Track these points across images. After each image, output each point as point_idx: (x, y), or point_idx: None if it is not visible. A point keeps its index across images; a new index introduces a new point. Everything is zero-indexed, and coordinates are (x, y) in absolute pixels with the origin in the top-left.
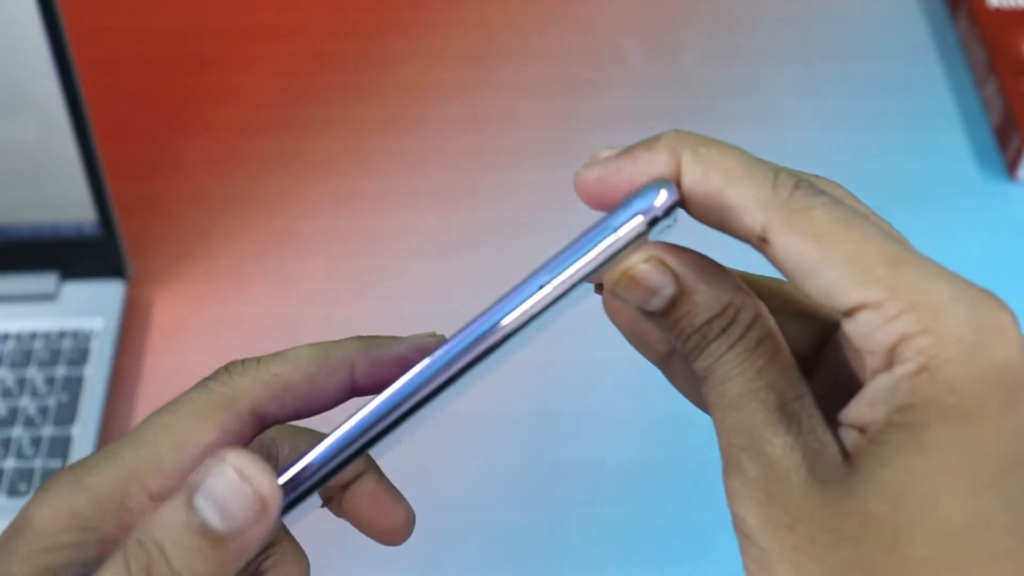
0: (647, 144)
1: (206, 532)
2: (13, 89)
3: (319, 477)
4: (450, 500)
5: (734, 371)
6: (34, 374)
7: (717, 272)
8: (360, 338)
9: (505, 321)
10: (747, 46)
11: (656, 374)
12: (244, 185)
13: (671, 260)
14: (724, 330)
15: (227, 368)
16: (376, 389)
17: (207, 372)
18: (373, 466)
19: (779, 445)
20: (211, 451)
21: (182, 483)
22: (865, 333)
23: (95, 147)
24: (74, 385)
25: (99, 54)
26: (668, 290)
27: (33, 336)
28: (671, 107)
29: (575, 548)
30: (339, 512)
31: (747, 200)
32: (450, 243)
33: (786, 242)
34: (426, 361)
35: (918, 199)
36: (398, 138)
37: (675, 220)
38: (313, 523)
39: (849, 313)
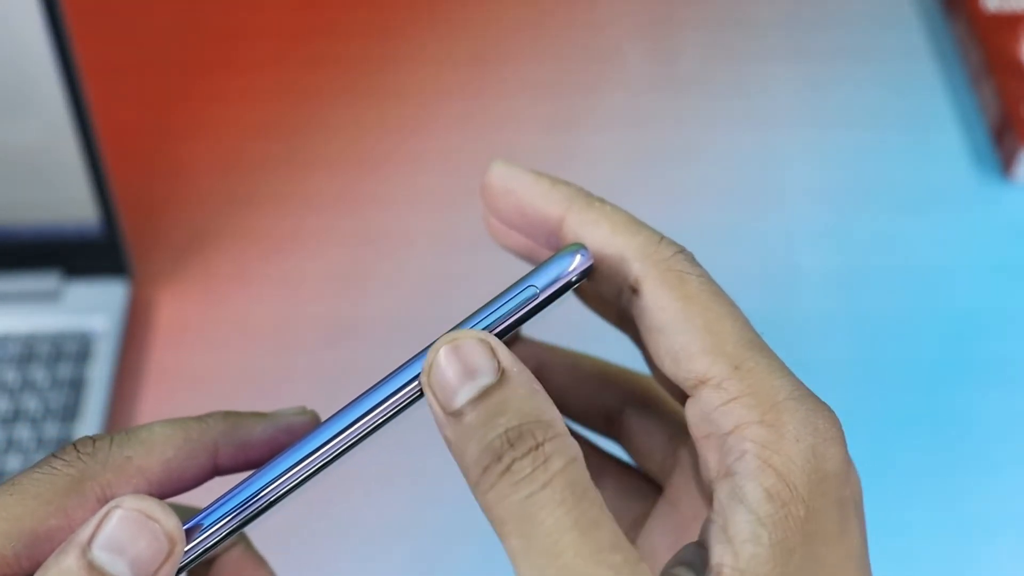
0: (553, 180)
1: None
2: (17, 89)
3: (215, 538)
4: (449, 498)
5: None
6: (37, 373)
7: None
8: (225, 415)
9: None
10: (745, 47)
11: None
12: (246, 185)
13: (503, 352)
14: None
15: (76, 446)
16: (239, 470)
17: (209, 371)
18: (242, 534)
19: None
20: (51, 538)
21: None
22: (704, 415)
23: (98, 147)
24: (77, 384)
25: (103, 55)
26: (485, 378)
27: (36, 336)
28: (669, 109)
29: None
30: None
31: (629, 250)
32: (451, 243)
33: (656, 295)
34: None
35: (914, 200)
36: (399, 139)
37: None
38: (311, 519)
39: (692, 389)
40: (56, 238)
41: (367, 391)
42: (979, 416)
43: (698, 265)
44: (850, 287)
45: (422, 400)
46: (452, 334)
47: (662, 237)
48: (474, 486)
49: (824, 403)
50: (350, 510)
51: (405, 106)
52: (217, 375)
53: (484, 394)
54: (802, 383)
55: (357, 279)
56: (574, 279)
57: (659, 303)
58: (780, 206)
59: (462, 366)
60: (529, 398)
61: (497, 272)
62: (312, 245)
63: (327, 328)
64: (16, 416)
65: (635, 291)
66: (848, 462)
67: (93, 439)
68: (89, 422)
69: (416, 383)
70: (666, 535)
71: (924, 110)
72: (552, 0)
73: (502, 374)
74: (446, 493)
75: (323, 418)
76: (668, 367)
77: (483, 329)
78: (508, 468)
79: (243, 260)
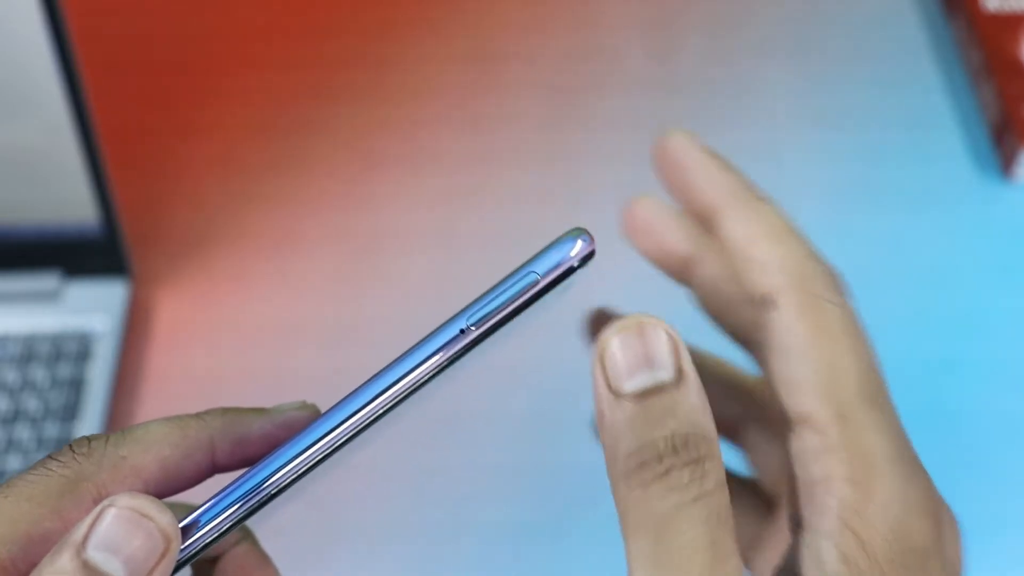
0: (722, 165)
1: None
2: (17, 89)
3: (211, 536)
4: (449, 498)
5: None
6: (37, 373)
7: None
8: (223, 411)
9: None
10: (745, 47)
11: None
12: (246, 185)
13: (684, 353)
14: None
15: (71, 447)
16: (238, 467)
17: (209, 371)
18: (247, 532)
19: None
20: (46, 540)
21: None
22: (799, 455)
23: (98, 147)
24: (77, 384)
25: (103, 55)
26: (664, 374)
27: (36, 336)
28: (669, 108)
29: (574, 548)
30: None
31: (774, 259)
32: (451, 243)
33: (788, 315)
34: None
35: (914, 200)
36: (398, 139)
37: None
38: (310, 518)
39: (794, 424)
40: (56, 238)
41: (364, 383)
42: (979, 416)
43: (842, 292)
44: (849, 287)
45: (412, 399)
46: (638, 317)
47: (811, 253)
48: (621, 476)
49: (924, 470)
50: (350, 510)
51: (405, 106)
52: (217, 375)
53: (658, 389)
54: (909, 444)
55: (357, 279)
56: (576, 264)
57: (789, 325)
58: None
59: (644, 351)
60: (700, 409)
61: (498, 272)
62: (312, 245)
63: (327, 328)
64: (16, 416)
65: (768, 302)
66: (938, 538)
67: (89, 439)
68: (89, 422)
69: (410, 378)
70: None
71: (924, 110)
72: (552, 0)
73: (680, 375)
74: (446, 493)
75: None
76: (780, 392)
77: (483, 317)
78: (667, 472)
79: (243, 260)
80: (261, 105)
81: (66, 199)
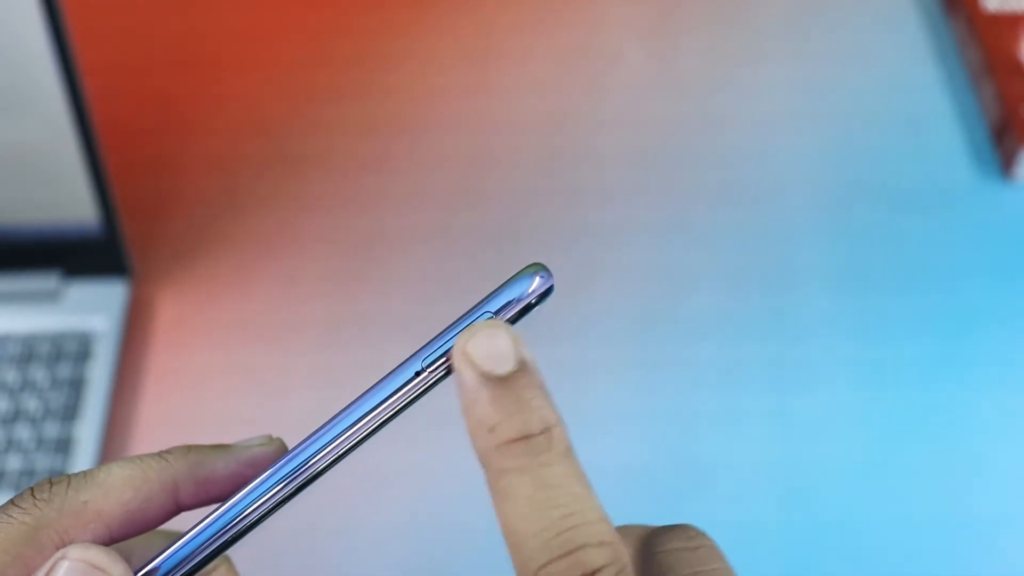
0: None
1: None
2: (17, 89)
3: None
4: (449, 500)
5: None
6: (37, 373)
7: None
8: (186, 451)
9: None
10: (745, 48)
11: (656, 374)
12: (247, 185)
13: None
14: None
15: (33, 492)
16: (204, 505)
17: (209, 371)
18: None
19: None
20: None
21: None
22: None
23: (99, 147)
24: (77, 384)
25: (103, 55)
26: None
27: (36, 336)
28: (669, 109)
29: None
30: None
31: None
32: (451, 244)
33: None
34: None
35: (914, 200)
36: (399, 139)
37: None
38: (310, 519)
39: None
40: (56, 238)
41: (324, 424)
42: (979, 416)
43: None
44: (849, 287)
45: (376, 435)
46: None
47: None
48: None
49: None
50: (350, 510)
51: (406, 107)
52: (217, 375)
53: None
54: None
55: (357, 279)
56: (533, 301)
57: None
58: (779, 206)
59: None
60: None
61: (497, 272)
62: (312, 245)
63: (327, 328)
64: (16, 416)
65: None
66: None
67: (51, 483)
68: (89, 422)
69: (368, 419)
70: None
71: (924, 110)
72: (552, 0)
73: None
74: (446, 493)
75: (289, 445)
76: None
77: (437, 359)
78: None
79: (243, 260)
80: (261, 105)
81: (66, 199)
